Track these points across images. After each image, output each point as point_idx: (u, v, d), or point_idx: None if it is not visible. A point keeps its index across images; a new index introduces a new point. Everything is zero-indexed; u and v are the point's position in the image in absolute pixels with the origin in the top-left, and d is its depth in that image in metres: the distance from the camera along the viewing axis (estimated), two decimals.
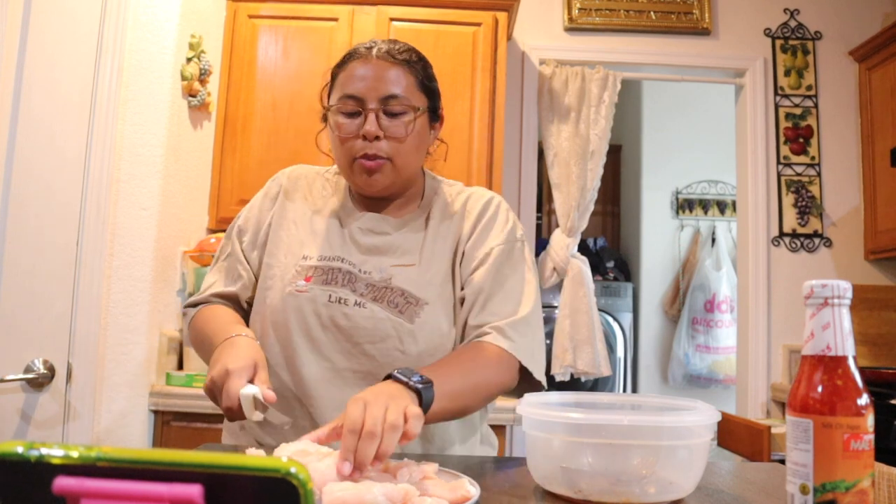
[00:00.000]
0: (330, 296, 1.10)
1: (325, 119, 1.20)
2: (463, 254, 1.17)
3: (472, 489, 0.78)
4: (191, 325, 1.20)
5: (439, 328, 1.11)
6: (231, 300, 1.20)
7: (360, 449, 0.78)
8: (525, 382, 1.13)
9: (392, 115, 1.12)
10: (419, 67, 1.17)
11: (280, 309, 1.11)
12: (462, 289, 1.16)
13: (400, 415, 0.81)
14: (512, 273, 1.16)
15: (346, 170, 1.15)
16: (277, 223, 1.20)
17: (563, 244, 2.99)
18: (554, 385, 3.15)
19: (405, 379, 0.91)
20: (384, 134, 1.11)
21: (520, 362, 1.09)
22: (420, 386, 0.90)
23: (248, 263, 1.20)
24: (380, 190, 1.15)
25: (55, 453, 0.38)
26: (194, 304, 1.21)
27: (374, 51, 1.13)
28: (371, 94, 1.11)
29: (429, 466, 0.82)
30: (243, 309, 1.21)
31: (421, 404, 0.90)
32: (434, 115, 1.20)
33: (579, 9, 3.10)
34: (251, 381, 0.94)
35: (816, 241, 3.05)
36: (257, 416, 0.93)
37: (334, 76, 1.17)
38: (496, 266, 1.15)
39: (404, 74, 1.13)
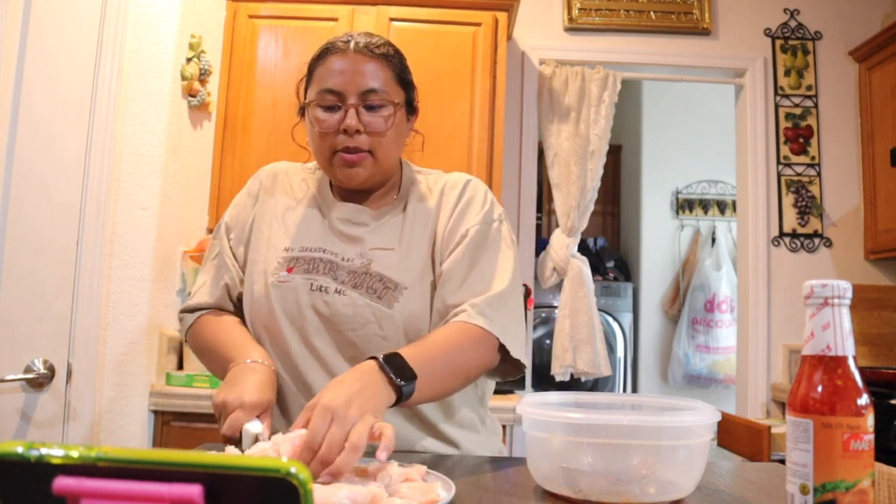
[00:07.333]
0: (311, 284, 1.12)
1: (302, 113, 1.21)
2: (442, 238, 1.17)
3: (442, 493, 0.77)
4: (193, 332, 1.21)
5: (418, 313, 1.11)
6: (223, 307, 1.21)
7: (312, 468, 0.79)
8: (507, 363, 1.11)
9: (371, 108, 1.13)
10: (396, 61, 1.17)
11: (265, 300, 1.13)
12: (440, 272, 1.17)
13: (364, 435, 0.82)
14: (487, 251, 1.16)
15: (326, 164, 1.16)
16: (259, 219, 1.21)
17: (563, 244, 2.99)
18: (554, 385, 3.16)
19: (389, 372, 0.92)
20: (364, 128, 1.12)
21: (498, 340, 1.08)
22: (402, 383, 0.92)
23: (236, 259, 1.22)
24: (360, 182, 1.15)
25: (55, 453, 0.38)
26: (190, 310, 1.22)
27: (352, 44, 1.14)
28: (350, 89, 1.12)
29: (416, 469, 0.81)
30: (234, 305, 1.22)
31: (399, 399, 0.92)
32: (410, 107, 1.21)
33: (579, 9, 3.10)
34: (259, 417, 0.96)
35: (816, 241, 3.04)
36: (252, 449, 0.91)
37: (311, 70, 1.18)
38: (472, 246, 1.15)
39: (382, 68, 1.14)
